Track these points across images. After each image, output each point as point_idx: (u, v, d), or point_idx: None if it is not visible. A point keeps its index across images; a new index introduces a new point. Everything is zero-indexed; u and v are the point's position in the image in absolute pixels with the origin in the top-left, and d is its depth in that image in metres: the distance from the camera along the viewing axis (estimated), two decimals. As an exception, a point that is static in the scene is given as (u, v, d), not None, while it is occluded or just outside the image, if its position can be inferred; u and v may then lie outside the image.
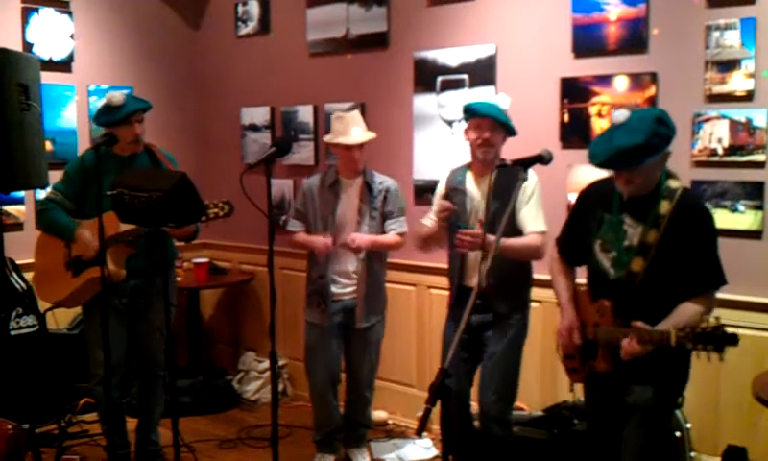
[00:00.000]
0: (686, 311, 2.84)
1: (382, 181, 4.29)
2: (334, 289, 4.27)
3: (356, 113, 4.33)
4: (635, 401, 3.00)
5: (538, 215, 3.60)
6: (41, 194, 4.34)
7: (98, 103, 4.91)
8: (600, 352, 3.04)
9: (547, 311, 4.28)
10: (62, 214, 4.01)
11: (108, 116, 4.01)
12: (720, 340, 2.66)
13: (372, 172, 4.31)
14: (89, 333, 4.14)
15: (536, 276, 4.24)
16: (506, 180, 3.38)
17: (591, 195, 3.17)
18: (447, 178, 3.86)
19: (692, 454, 3.77)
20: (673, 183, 2.93)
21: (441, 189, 3.87)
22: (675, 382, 3.06)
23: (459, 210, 3.68)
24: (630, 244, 2.94)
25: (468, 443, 3.83)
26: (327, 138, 4.28)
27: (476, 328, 3.68)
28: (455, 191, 3.76)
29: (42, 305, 4.54)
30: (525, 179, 2.84)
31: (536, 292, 4.30)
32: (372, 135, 4.22)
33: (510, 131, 3.68)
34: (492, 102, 3.71)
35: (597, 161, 2.91)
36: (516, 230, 3.56)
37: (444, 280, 4.14)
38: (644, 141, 2.77)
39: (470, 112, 3.65)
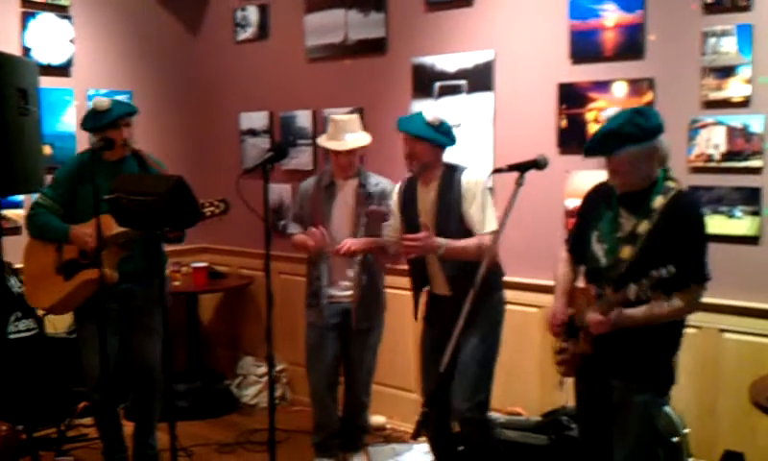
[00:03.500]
0: (662, 305, 2.89)
1: (378, 182, 4.28)
2: (333, 291, 4.29)
3: (352, 118, 4.30)
4: (619, 401, 3.05)
5: (483, 215, 3.59)
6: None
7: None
8: (581, 335, 3.12)
9: (546, 316, 4.28)
10: (53, 217, 4.01)
11: (95, 121, 4.01)
12: (671, 285, 2.76)
13: (368, 173, 4.31)
14: (82, 340, 4.12)
15: (535, 281, 4.27)
16: (450, 183, 3.62)
17: (595, 193, 3.27)
18: (399, 187, 3.93)
19: (690, 459, 3.77)
20: (671, 183, 3.00)
21: (394, 200, 3.95)
22: (659, 382, 3.08)
23: (410, 219, 3.76)
24: (622, 234, 3.02)
25: (447, 446, 3.87)
26: (319, 141, 4.32)
27: (448, 334, 3.67)
28: (408, 200, 3.82)
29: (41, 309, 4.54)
30: (521, 183, 2.88)
31: (534, 297, 4.33)
32: (363, 142, 4.21)
33: (437, 143, 3.69)
34: (419, 115, 3.75)
35: (584, 152, 3.07)
36: (467, 233, 3.59)
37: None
38: (617, 127, 2.90)
39: (400, 128, 3.74)
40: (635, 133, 2.89)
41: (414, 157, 3.69)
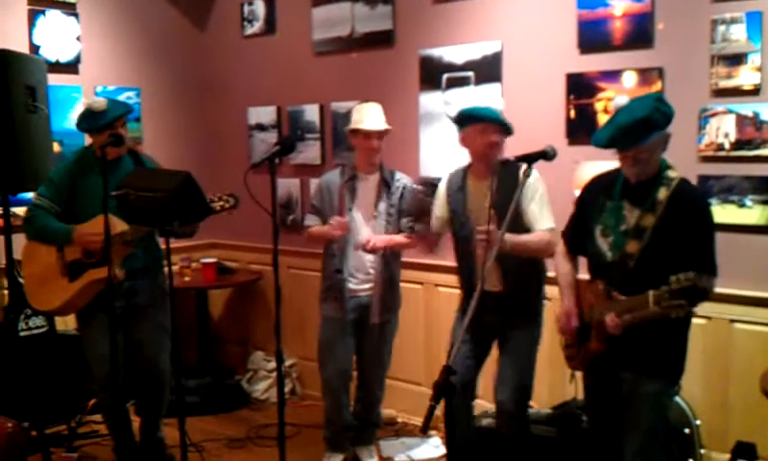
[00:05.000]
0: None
1: (400, 178, 4.28)
2: (351, 285, 4.27)
3: (376, 105, 4.28)
4: (629, 392, 3.03)
5: (544, 212, 3.60)
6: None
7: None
8: (593, 333, 3.09)
9: (555, 308, 4.26)
10: (53, 219, 3.92)
11: (91, 122, 3.92)
12: (693, 294, 2.68)
13: (390, 169, 4.30)
14: (87, 340, 4.09)
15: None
16: (508, 177, 3.51)
17: (595, 185, 3.24)
18: (447, 181, 3.87)
19: (702, 451, 3.76)
20: (672, 173, 2.98)
21: (442, 192, 3.87)
22: (670, 371, 3.06)
23: (459, 214, 3.70)
24: (627, 228, 2.99)
25: (468, 434, 3.88)
26: (348, 127, 4.27)
27: (489, 328, 3.68)
28: (457, 194, 3.77)
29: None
30: (528, 174, 2.87)
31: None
32: (388, 127, 4.21)
33: (510, 131, 3.69)
34: (489, 105, 3.74)
35: (602, 143, 2.97)
36: (524, 230, 3.56)
37: (451, 278, 4.14)
38: (647, 115, 2.84)
39: (474, 118, 3.64)
40: (662, 120, 2.88)
41: (501, 146, 3.65)
